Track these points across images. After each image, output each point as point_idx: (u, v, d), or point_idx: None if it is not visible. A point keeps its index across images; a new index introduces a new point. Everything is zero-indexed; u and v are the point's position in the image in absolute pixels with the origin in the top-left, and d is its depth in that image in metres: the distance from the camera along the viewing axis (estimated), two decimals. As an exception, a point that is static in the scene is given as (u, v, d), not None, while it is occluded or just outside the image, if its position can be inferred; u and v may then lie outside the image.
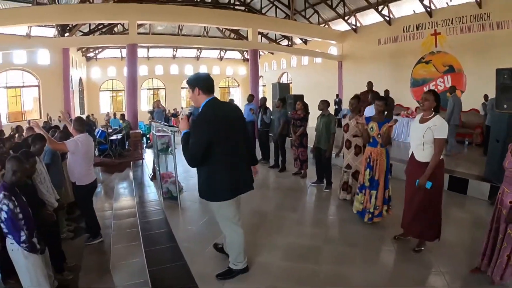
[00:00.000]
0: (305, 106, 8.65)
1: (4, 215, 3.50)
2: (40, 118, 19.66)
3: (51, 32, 21.26)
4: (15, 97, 22.04)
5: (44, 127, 8.17)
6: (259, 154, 10.60)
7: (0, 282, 4.72)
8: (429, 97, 4.33)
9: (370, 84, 11.41)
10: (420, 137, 4.29)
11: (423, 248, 4.55)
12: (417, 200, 4.44)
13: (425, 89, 15.44)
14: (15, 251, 3.65)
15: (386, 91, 12.33)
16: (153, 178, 9.15)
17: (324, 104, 7.63)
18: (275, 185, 8.57)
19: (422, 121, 4.37)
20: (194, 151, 3.55)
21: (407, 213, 4.65)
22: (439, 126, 4.19)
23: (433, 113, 4.33)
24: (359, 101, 6.62)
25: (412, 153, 4.49)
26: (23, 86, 22.23)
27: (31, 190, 4.46)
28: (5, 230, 3.60)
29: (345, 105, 19.08)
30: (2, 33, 17.84)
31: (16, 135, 10.32)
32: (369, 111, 7.78)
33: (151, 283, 4.09)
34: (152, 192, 8.28)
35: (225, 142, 3.62)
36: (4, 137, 9.42)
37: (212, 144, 3.52)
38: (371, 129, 5.33)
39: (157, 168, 7.71)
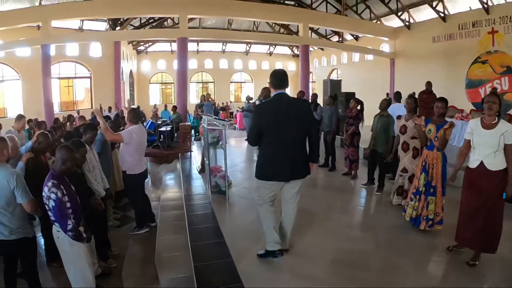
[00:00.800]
0: (360, 104, 8.39)
1: (52, 203, 3.53)
2: (91, 108, 20.33)
3: (103, 26, 22.23)
4: (67, 88, 23.47)
5: (94, 118, 8.37)
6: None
7: (45, 265, 4.98)
8: (496, 100, 4.07)
9: (429, 84, 10.83)
10: (495, 145, 4.00)
11: (477, 263, 4.26)
12: (485, 212, 4.16)
13: (481, 91, 14.77)
14: (61, 238, 3.69)
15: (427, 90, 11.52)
16: (201, 171, 9.14)
17: (385, 104, 7.39)
18: (324, 185, 8.42)
19: (488, 126, 4.08)
20: (248, 133, 4.56)
21: (468, 226, 4.34)
22: (510, 132, 3.93)
23: (497, 117, 4.07)
24: (415, 101, 6.36)
25: (482, 162, 4.14)
26: (75, 77, 23.58)
27: (80, 179, 4.58)
28: (52, 218, 3.65)
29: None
30: (56, 27, 18.39)
31: (68, 124, 10.61)
32: (395, 109, 7.72)
33: (195, 279, 4.04)
34: (199, 185, 8.29)
35: (273, 132, 4.05)
36: (56, 125, 9.71)
37: (263, 131, 4.06)
38: (429, 131, 5.08)
39: (207, 162, 7.70)
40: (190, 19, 19.91)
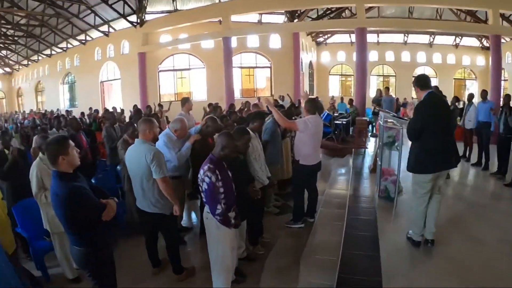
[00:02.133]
0: None
1: (205, 186, 3.73)
2: (271, 95, 21.06)
3: (281, 18, 23.06)
4: (248, 76, 25.18)
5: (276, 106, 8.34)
6: (494, 165, 8.91)
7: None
8: None
9: None
10: None
11: None
12: None
13: None
14: (209, 219, 3.88)
15: None
16: (372, 170, 8.66)
17: None
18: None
19: None
20: (408, 127, 4.81)
21: None
22: None
23: None
24: None
25: None
26: (256, 67, 25.03)
27: (241, 165, 4.67)
28: (204, 199, 3.88)
29: None
30: (236, 21, 20.21)
31: (244, 110, 10.88)
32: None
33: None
34: (368, 186, 7.82)
35: (433, 127, 4.52)
36: (231, 110, 10.28)
37: (424, 127, 4.52)
38: None
39: (379, 162, 7.07)
40: (368, 9, 19.32)
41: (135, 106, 16.81)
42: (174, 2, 21.50)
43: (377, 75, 30.94)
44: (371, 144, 12.86)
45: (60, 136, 3.52)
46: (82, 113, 17.69)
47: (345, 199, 6.79)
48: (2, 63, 38.27)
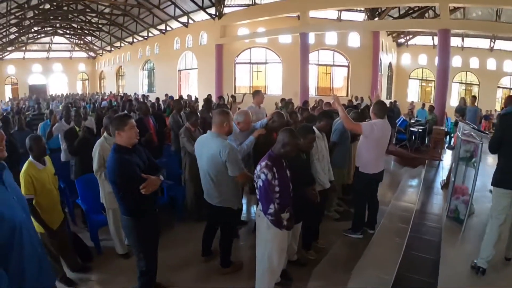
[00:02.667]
0: None
1: (260, 183, 3.61)
2: (347, 96, 20.81)
3: (361, 16, 22.42)
4: (325, 74, 24.84)
5: (345, 106, 8.14)
6: None
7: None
8: None
9: None
10: None
11: None
12: None
13: None
14: (261, 217, 3.78)
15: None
16: (444, 186, 8.10)
17: None
18: None
19: None
20: (490, 140, 4.59)
21: None
22: None
23: None
24: None
25: None
26: (333, 65, 24.55)
27: (302, 165, 4.52)
28: (257, 196, 3.76)
29: None
30: (314, 17, 20.33)
31: (317, 108, 10.74)
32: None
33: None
34: (437, 203, 7.37)
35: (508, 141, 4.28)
36: (303, 107, 10.19)
37: (505, 139, 4.29)
38: None
39: (452, 178, 6.53)
40: (453, 10, 18.42)
41: (208, 95, 17.12)
42: (253, -5, 21.77)
43: (459, 83, 28.77)
44: (447, 157, 12.13)
45: (124, 114, 4.06)
46: (157, 99, 18.30)
47: (411, 214, 6.46)
48: (87, 48, 41.81)
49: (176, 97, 17.63)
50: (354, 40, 23.87)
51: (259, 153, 4.56)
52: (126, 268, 4.81)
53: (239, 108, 15.39)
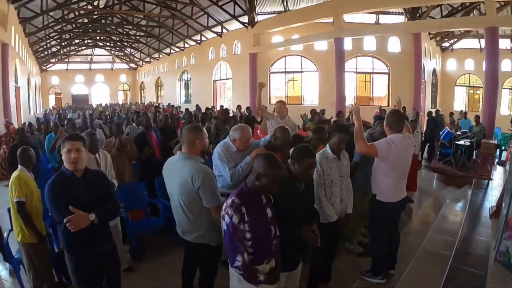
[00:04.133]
0: None
1: (224, 226, 2.77)
2: (388, 105, 19.72)
3: (400, 19, 20.87)
4: (364, 82, 23.20)
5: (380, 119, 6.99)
6: None
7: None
8: None
9: None
10: None
11: None
12: None
13: None
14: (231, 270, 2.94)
15: None
16: (494, 215, 6.47)
17: None
18: None
19: None
20: None
21: None
22: None
23: None
24: None
25: None
26: (372, 72, 22.91)
27: (299, 198, 3.37)
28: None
29: None
30: (351, 22, 19.39)
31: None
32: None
33: None
34: (484, 238, 5.87)
35: None
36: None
37: None
38: None
39: (504, 211, 4.93)
40: (500, 8, 16.74)
41: (238, 106, 16.45)
42: (284, 2, 20.93)
43: (510, 89, 25.84)
44: (498, 175, 10.53)
45: (70, 135, 3.58)
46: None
47: (449, 252, 5.22)
48: (128, 59, 43.79)
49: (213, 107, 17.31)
50: (394, 45, 22.16)
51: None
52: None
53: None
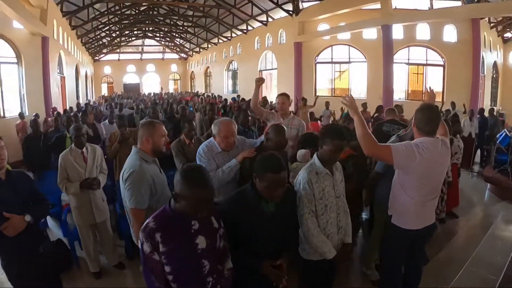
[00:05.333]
0: None
1: (141, 253, 2.22)
2: (442, 102, 17.54)
3: (457, 4, 18.41)
4: (416, 75, 20.96)
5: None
6: None
7: None
8: None
9: None
10: None
11: None
12: None
13: None
14: None
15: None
16: None
17: None
18: None
19: None
20: None
21: None
22: None
23: None
24: None
25: None
26: (426, 64, 20.60)
27: (264, 222, 2.64)
28: None
29: None
30: (402, 8, 17.79)
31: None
32: None
33: None
34: None
35: None
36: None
37: None
38: None
39: None
40: None
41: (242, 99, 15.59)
42: (330, -13, 19.66)
43: None
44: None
45: None
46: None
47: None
48: (178, 49, 44.71)
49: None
50: (449, 34, 19.67)
51: (246, 183, 2.85)
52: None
53: (311, 113, 13.55)
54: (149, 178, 3.05)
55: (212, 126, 3.77)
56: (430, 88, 4.18)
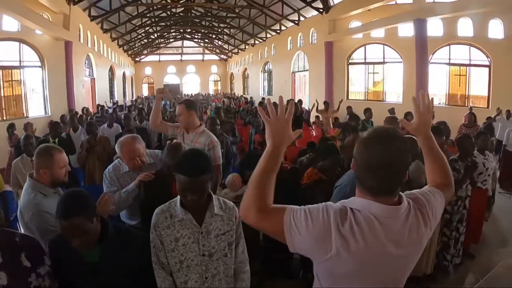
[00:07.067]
0: None
1: None
2: (488, 107, 15.60)
3: None
4: (458, 77, 18.32)
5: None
6: None
7: None
8: None
9: None
10: None
11: None
12: None
13: None
14: None
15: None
16: None
17: None
18: None
19: None
20: None
21: None
22: None
23: None
24: None
25: None
26: (469, 65, 17.98)
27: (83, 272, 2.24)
28: None
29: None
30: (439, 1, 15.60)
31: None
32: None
33: None
34: None
35: None
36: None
37: None
38: None
39: None
40: None
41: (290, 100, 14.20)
42: (360, -19, 17.93)
43: None
44: None
45: None
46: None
47: None
48: (217, 51, 44.92)
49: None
50: (496, 29, 16.91)
51: (149, 207, 2.50)
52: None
53: (336, 118, 12.02)
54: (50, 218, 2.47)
55: (116, 146, 3.40)
56: (423, 93, 2.29)
